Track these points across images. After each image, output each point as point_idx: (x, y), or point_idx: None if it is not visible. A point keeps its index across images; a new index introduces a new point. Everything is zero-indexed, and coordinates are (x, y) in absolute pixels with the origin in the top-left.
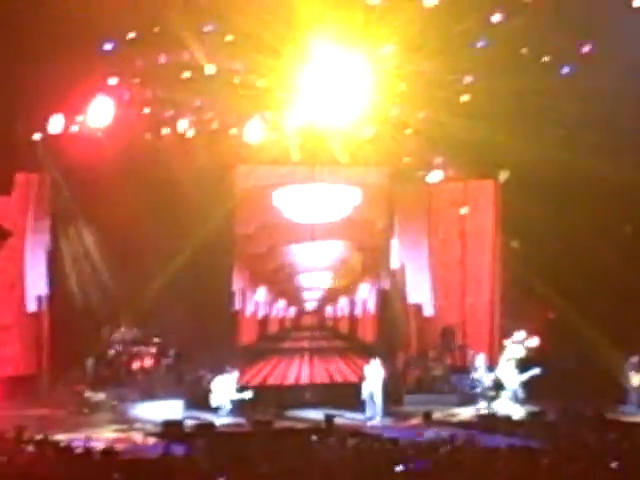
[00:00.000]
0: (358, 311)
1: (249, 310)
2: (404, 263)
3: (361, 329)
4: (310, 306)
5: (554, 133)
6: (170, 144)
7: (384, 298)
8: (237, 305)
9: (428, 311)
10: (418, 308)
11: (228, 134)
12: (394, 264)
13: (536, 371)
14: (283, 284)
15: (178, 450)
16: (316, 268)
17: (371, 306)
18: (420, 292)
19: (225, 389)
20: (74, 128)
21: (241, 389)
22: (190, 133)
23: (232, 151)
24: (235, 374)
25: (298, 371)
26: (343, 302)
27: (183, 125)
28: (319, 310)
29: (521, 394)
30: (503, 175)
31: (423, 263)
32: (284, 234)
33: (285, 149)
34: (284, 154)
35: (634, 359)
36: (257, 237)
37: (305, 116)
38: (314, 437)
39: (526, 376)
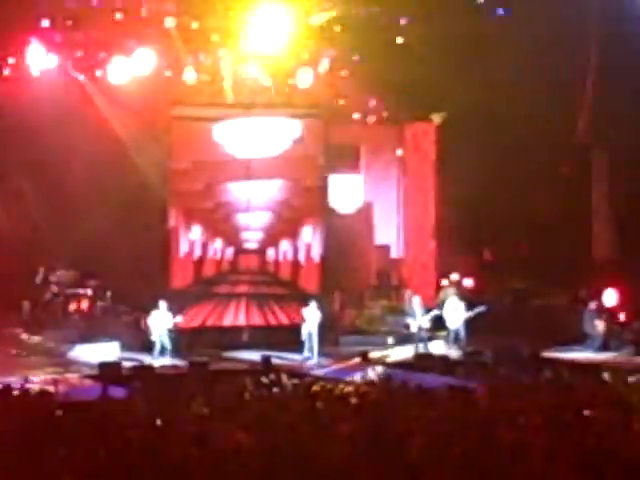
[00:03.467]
0: (301, 257)
1: (184, 250)
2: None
3: (303, 277)
4: (249, 248)
5: (489, 76)
6: (104, 86)
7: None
8: (172, 245)
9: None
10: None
11: (163, 76)
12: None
13: (481, 309)
14: (220, 224)
15: (115, 392)
16: (255, 208)
17: (315, 253)
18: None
19: (160, 325)
20: (6, 72)
21: (177, 330)
22: (124, 76)
23: (167, 93)
24: (165, 308)
25: (235, 314)
26: (285, 246)
27: (117, 67)
28: (259, 253)
29: (463, 334)
30: (438, 117)
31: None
32: (221, 171)
33: (220, 92)
34: (220, 96)
35: (592, 305)
36: (193, 173)
37: (240, 59)
38: (250, 378)
39: (470, 314)
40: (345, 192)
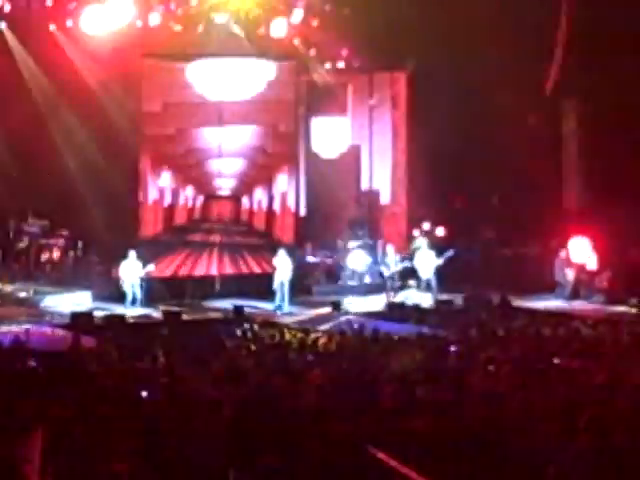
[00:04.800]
0: (276, 206)
1: (153, 197)
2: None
3: (278, 227)
4: (222, 196)
5: (461, 26)
6: (76, 36)
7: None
8: (142, 192)
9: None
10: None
11: (135, 27)
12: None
13: (450, 253)
14: (191, 170)
15: (87, 342)
16: (228, 154)
17: (291, 201)
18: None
19: (131, 274)
20: None
21: (149, 279)
22: (96, 26)
23: (139, 44)
24: (134, 257)
25: (208, 263)
26: (260, 194)
27: (89, 17)
28: (232, 201)
29: (434, 283)
30: (409, 67)
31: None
32: (193, 114)
33: (192, 41)
34: (192, 46)
35: (562, 254)
36: (164, 117)
37: (212, 8)
38: (222, 327)
39: (441, 260)
40: (329, 136)
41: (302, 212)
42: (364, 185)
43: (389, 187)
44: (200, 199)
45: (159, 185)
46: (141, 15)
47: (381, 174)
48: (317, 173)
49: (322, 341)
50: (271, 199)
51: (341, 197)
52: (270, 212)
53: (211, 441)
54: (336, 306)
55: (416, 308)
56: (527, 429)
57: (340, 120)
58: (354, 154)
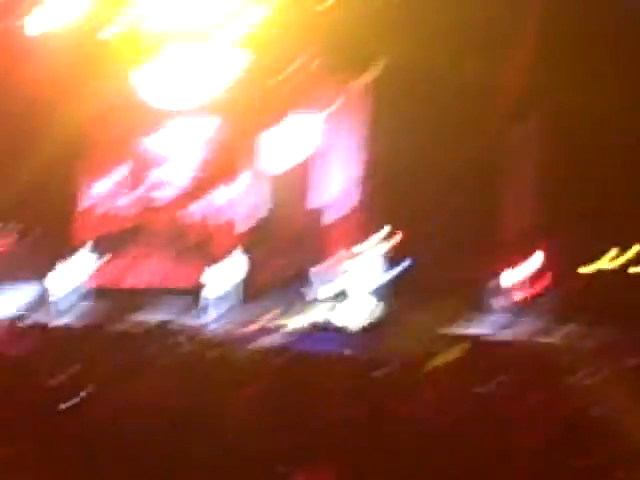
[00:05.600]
0: (214, 219)
1: (86, 205)
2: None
3: (215, 240)
4: (159, 207)
5: (428, 26)
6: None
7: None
8: (78, 198)
9: None
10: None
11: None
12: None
13: (403, 266)
14: (129, 178)
15: (11, 350)
16: (167, 163)
17: (229, 216)
18: None
19: (61, 283)
20: None
21: (78, 290)
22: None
23: (84, 48)
24: (66, 266)
25: (139, 274)
26: (198, 206)
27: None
28: (170, 212)
29: (367, 302)
30: (375, 69)
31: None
32: (135, 120)
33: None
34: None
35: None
36: (104, 121)
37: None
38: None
39: (391, 274)
40: (276, 147)
41: (241, 227)
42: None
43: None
44: (136, 209)
45: (94, 192)
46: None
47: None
48: (262, 188)
49: (248, 359)
50: (209, 212)
51: (287, 215)
52: (206, 225)
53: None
54: (265, 323)
55: (343, 329)
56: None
57: (292, 127)
58: (302, 168)
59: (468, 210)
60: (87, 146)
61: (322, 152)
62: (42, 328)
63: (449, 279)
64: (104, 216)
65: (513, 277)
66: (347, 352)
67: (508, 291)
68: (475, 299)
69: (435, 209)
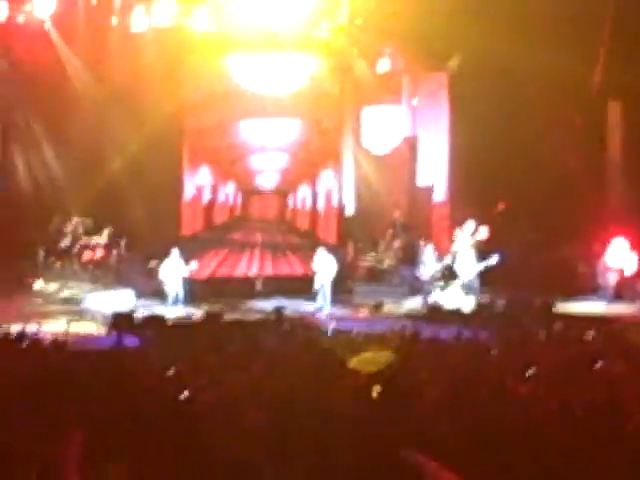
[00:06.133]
0: (320, 204)
1: (191, 194)
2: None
3: (322, 226)
4: (264, 193)
5: (503, 25)
6: (120, 36)
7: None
8: (184, 189)
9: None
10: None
11: (177, 26)
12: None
13: (494, 260)
14: (232, 166)
15: (129, 342)
16: (270, 149)
17: (335, 200)
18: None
19: (173, 273)
20: (20, 18)
21: (191, 279)
22: (140, 24)
23: (180, 42)
24: (177, 255)
25: (249, 262)
26: (304, 191)
27: (133, 15)
28: (275, 199)
29: (475, 285)
30: (452, 67)
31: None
32: (234, 106)
33: (235, 41)
34: (234, 45)
35: (606, 256)
36: (203, 108)
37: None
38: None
39: (483, 265)
40: (381, 128)
41: (350, 211)
42: (420, 181)
43: (441, 185)
44: (241, 196)
45: (198, 182)
46: (184, 12)
47: (432, 171)
48: (367, 170)
49: (362, 343)
50: (315, 197)
51: (393, 195)
52: (314, 210)
53: (250, 441)
54: (377, 308)
55: (456, 311)
56: (567, 433)
57: (394, 109)
58: (410, 146)
59: (556, 194)
60: (186, 135)
61: (415, 139)
62: (160, 319)
63: (542, 262)
64: (209, 205)
65: (607, 260)
66: (461, 334)
67: (602, 274)
68: (570, 282)
69: (523, 193)
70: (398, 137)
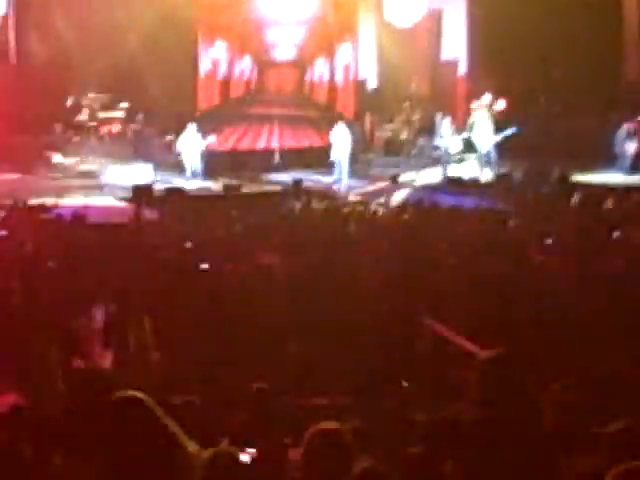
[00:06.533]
0: (338, 78)
1: (209, 69)
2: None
3: (340, 100)
4: (281, 67)
5: None
6: None
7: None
8: (199, 63)
9: None
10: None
11: None
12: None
13: (511, 131)
14: (248, 40)
15: (148, 214)
16: (286, 22)
17: (353, 74)
18: None
19: (191, 147)
20: None
21: (209, 152)
22: None
23: None
24: (194, 129)
25: (268, 135)
26: (321, 66)
27: None
28: (292, 73)
29: (493, 156)
30: None
31: None
32: None
33: None
34: None
35: (625, 126)
36: None
37: None
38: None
39: (501, 137)
40: (403, 1)
41: (369, 84)
42: (444, 54)
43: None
44: (257, 70)
45: (213, 56)
46: None
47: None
48: (389, 43)
49: (380, 214)
50: (333, 70)
51: (413, 68)
52: (332, 84)
53: (271, 309)
54: (394, 179)
55: (474, 181)
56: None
57: None
58: (434, 18)
59: (574, 65)
60: (201, 9)
61: (440, 12)
62: (179, 191)
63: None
64: (226, 79)
65: (628, 128)
66: (480, 205)
67: (620, 145)
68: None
69: (541, 65)
70: (422, 9)
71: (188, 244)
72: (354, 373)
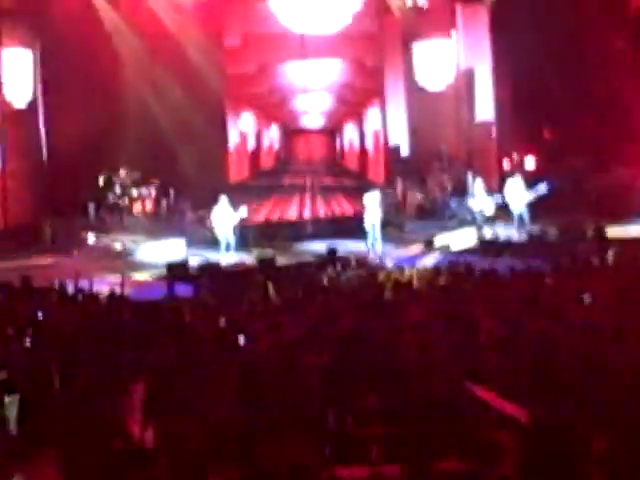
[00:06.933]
0: (368, 144)
1: (237, 141)
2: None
3: (371, 166)
4: (310, 135)
5: None
6: None
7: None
8: (227, 136)
9: None
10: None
11: None
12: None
13: (543, 188)
14: (275, 109)
15: (183, 290)
16: (314, 89)
17: (383, 139)
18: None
19: (224, 220)
20: None
21: (242, 225)
22: None
23: None
24: (226, 203)
25: (299, 206)
26: (350, 132)
27: None
28: (321, 141)
29: (526, 215)
30: None
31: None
32: (275, 48)
33: None
34: None
35: None
36: (245, 52)
37: None
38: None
39: (533, 195)
40: (433, 62)
41: (404, 148)
42: (481, 113)
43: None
44: (285, 140)
45: (241, 128)
46: None
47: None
48: (419, 107)
49: (416, 279)
50: (362, 137)
51: (443, 130)
52: (362, 150)
53: (310, 383)
54: (428, 243)
55: (509, 242)
56: (624, 360)
57: (445, 42)
58: (466, 80)
59: (603, 118)
60: (228, 81)
61: (471, 72)
62: (213, 266)
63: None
64: (255, 151)
65: None
66: (515, 265)
67: None
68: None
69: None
70: (452, 71)
71: (222, 320)
72: (395, 441)
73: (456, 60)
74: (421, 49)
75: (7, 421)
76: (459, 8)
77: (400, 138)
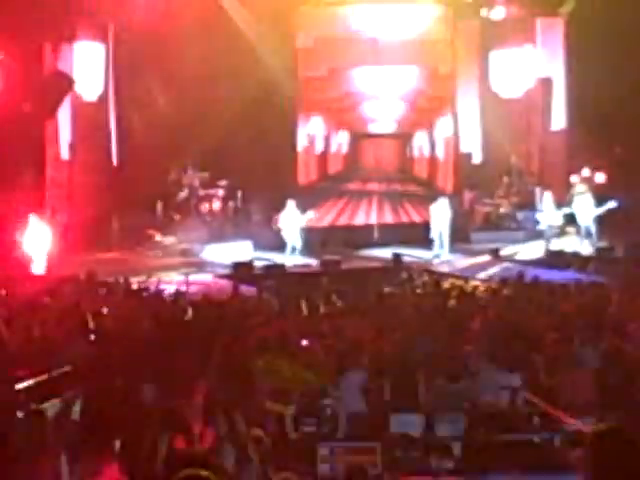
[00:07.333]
0: (439, 152)
1: (305, 145)
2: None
3: (440, 175)
4: (379, 142)
5: None
6: None
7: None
8: (296, 139)
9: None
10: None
11: None
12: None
13: (612, 204)
14: (345, 114)
15: (247, 291)
16: (385, 96)
17: (454, 147)
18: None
19: (291, 223)
20: None
21: (308, 228)
22: None
23: None
24: (293, 206)
25: (367, 211)
26: (421, 140)
27: None
28: (391, 147)
29: (594, 230)
30: (566, 11)
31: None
32: (347, 52)
33: None
34: None
35: None
36: (316, 54)
37: None
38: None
39: (601, 210)
40: (511, 70)
41: (473, 157)
42: (555, 124)
43: (547, 137)
44: (354, 145)
45: (310, 132)
46: None
47: (537, 123)
48: (493, 115)
49: (481, 289)
50: (433, 144)
51: (516, 140)
52: (432, 158)
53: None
54: (495, 254)
55: (575, 255)
56: None
57: (526, 50)
58: (544, 88)
59: None
60: (300, 84)
61: (550, 81)
62: (279, 268)
63: None
64: (323, 155)
65: None
66: (581, 279)
67: None
68: None
69: None
70: (531, 79)
71: (289, 320)
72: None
73: (533, 69)
74: (499, 57)
75: (70, 414)
76: (538, 20)
77: (472, 146)
